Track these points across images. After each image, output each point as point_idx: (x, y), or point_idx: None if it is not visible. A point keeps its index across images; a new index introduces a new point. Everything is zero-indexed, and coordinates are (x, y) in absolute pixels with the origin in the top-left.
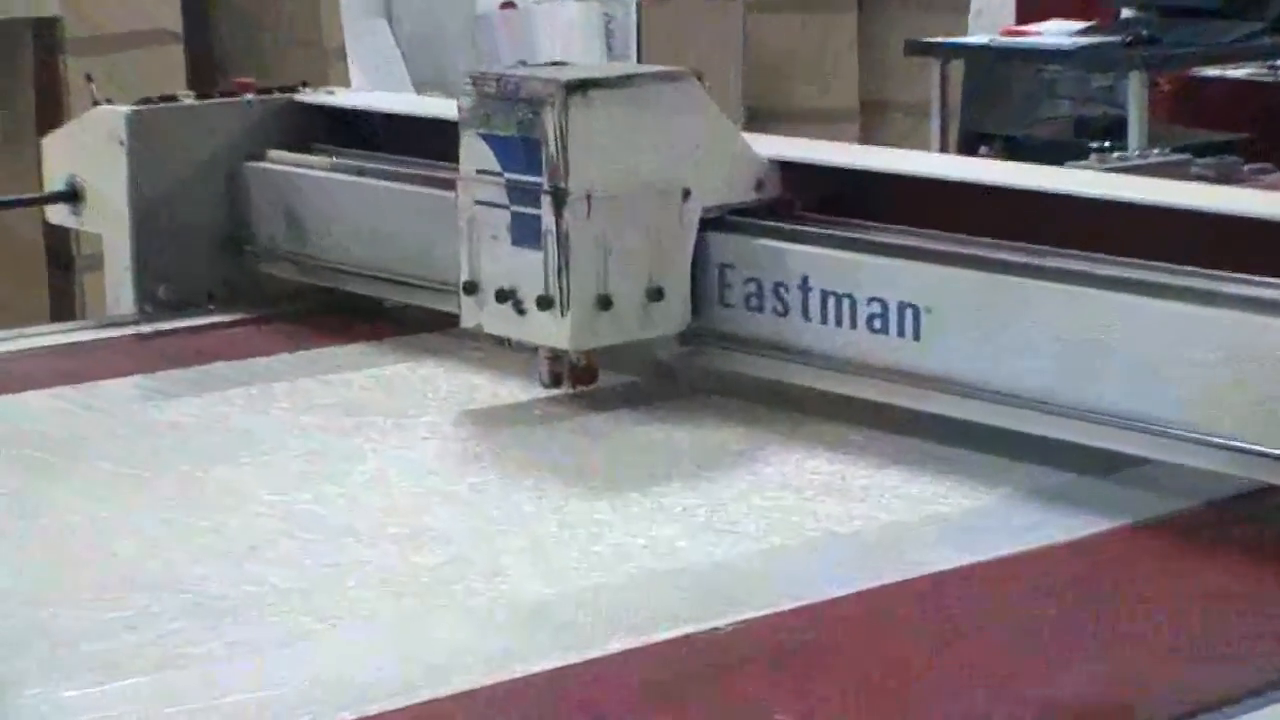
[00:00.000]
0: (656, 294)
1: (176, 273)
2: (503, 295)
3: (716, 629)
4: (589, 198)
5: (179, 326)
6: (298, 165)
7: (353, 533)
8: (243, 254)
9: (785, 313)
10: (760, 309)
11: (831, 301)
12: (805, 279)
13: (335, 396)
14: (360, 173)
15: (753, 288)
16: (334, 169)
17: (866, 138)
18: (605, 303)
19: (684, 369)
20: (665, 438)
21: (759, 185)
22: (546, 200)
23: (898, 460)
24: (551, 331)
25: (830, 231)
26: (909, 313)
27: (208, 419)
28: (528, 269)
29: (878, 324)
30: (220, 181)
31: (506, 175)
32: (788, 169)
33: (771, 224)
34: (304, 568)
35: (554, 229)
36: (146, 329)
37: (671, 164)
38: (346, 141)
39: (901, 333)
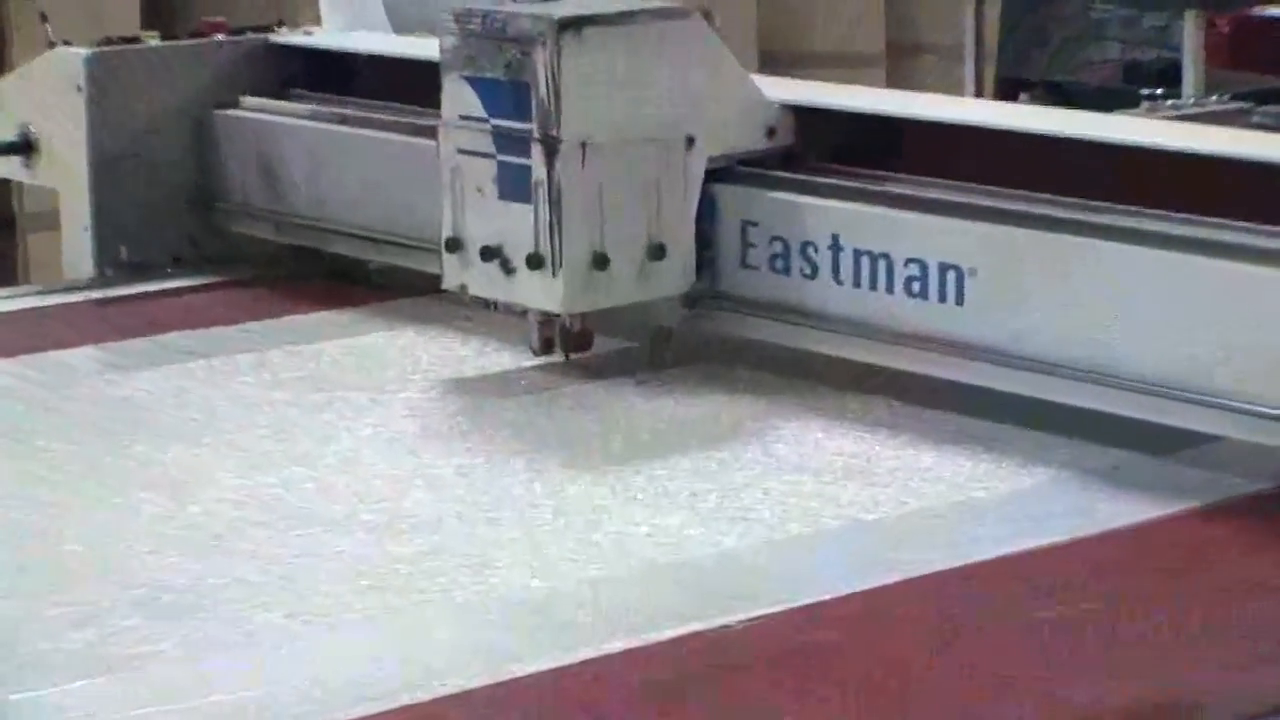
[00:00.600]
0: (658, 252)
1: (139, 233)
2: (489, 253)
3: (727, 627)
4: (583, 146)
5: (140, 292)
6: (273, 113)
7: (325, 520)
8: (212, 211)
9: (814, 274)
10: (786, 270)
11: (865, 262)
12: (836, 238)
13: (306, 369)
14: (342, 121)
15: (778, 247)
16: (313, 117)
17: (893, 84)
18: (601, 261)
19: (689, 335)
20: (671, 414)
21: (770, 132)
22: (537, 149)
23: (929, 439)
24: (542, 293)
25: (863, 185)
26: (951, 275)
27: (167, 394)
28: (516, 225)
29: (916, 287)
30: (188, 131)
31: (493, 122)
32: (803, 115)
33: (799, 177)
34: (271, 559)
35: (545, 180)
36: (103, 295)
37: (674, 109)
38: (327, 87)
39: (943, 297)
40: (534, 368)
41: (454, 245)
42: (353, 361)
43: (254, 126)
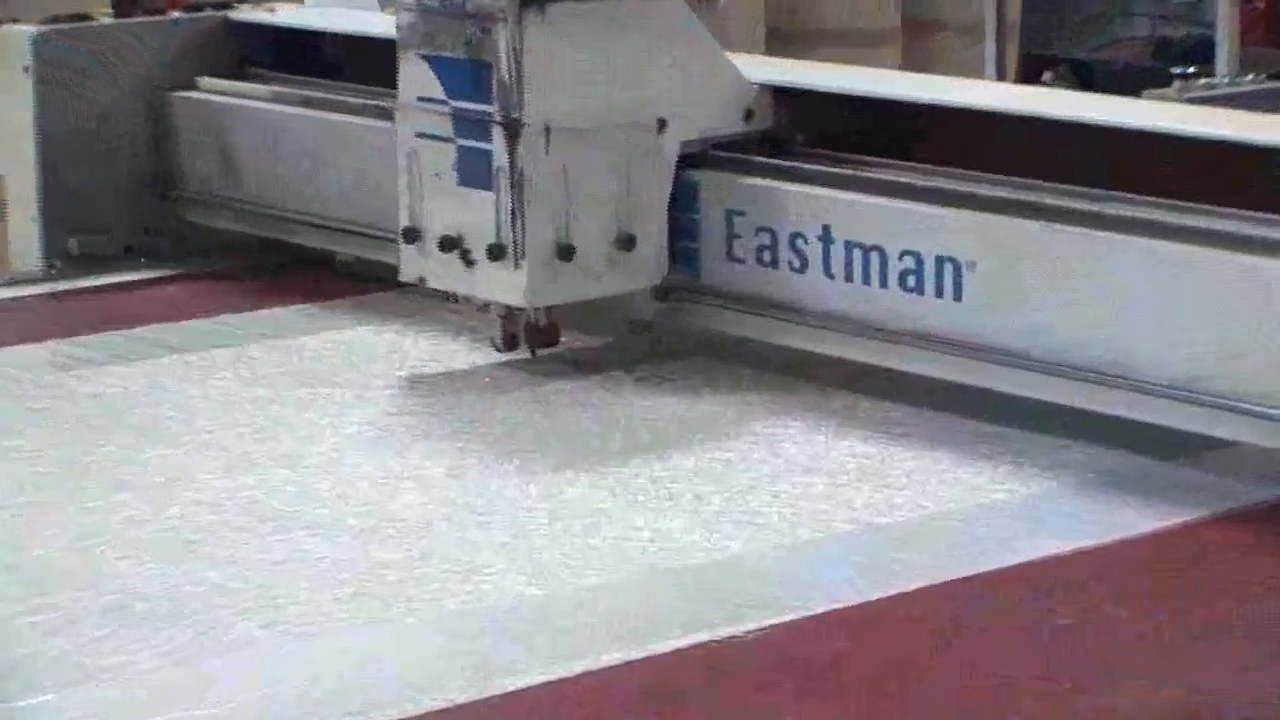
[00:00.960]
0: (627, 242)
1: (91, 222)
2: (448, 243)
3: (733, 637)
4: (547, 130)
5: (100, 284)
6: (233, 95)
7: (307, 524)
8: (168, 199)
9: (803, 268)
10: (774, 263)
11: (858, 255)
12: (826, 229)
13: (287, 364)
14: (307, 103)
15: (765, 239)
16: (275, 99)
17: (909, 63)
18: (567, 252)
19: (685, 331)
20: (672, 411)
21: (748, 115)
22: (498, 132)
23: (945, 440)
24: (504, 286)
25: (855, 172)
26: (948, 269)
27: (141, 391)
28: (477, 213)
29: (911, 282)
30: (143, 114)
31: (452, 103)
32: (784, 97)
33: (786, 163)
34: (250, 565)
35: (507, 166)
36: (59, 287)
37: (644, 91)
38: (290, 67)
39: (940, 292)
40: (527, 363)
41: (412, 235)
42: (336, 356)
43: (212, 109)
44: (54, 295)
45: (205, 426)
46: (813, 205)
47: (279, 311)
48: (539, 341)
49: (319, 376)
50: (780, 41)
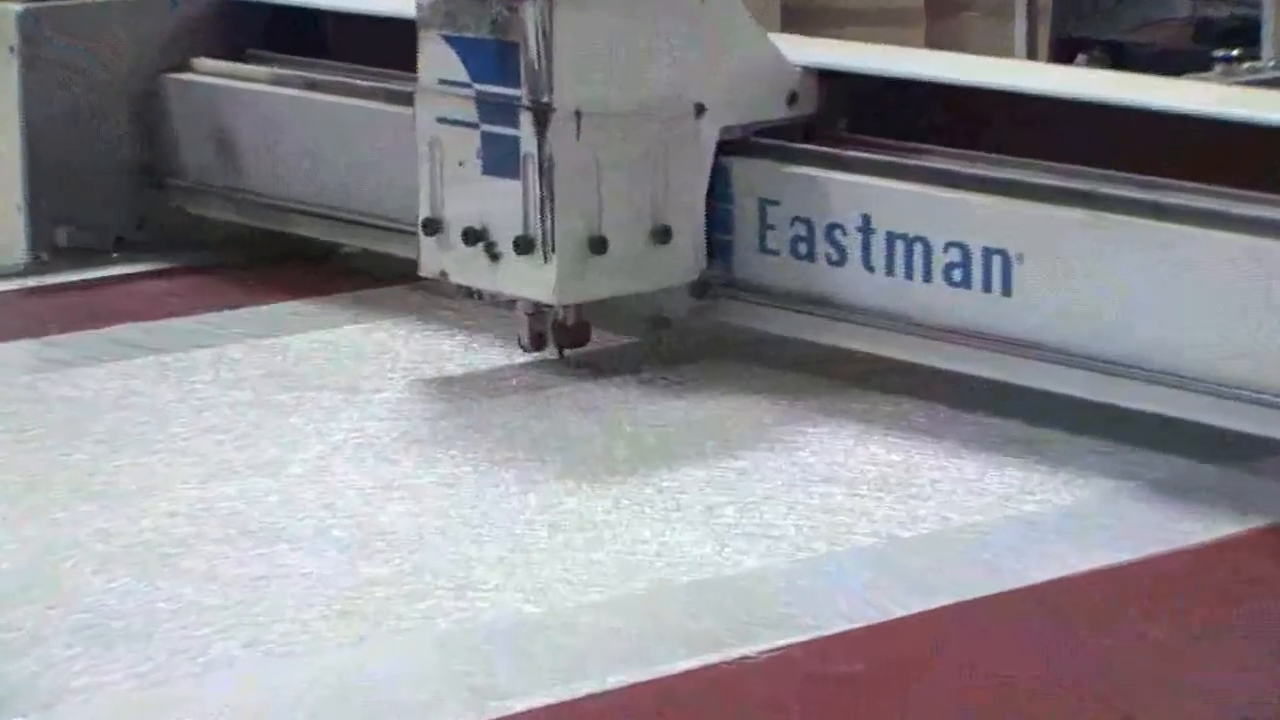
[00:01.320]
0: (663, 235)
1: (80, 212)
2: (471, 236)
3: (746, 658)
4: (578, 115)
5: (82, 279)
6: (231, 77)
7: (291, 537)
8: (162, 189)
9: (841, 260)
10: (810, 256)
11: (899, 247)
12: (866, 219)
13: (271, 366)
14: (310, 86)
15: (801, 230)
16: (276, 82)
17: (934, 44)
18: (599, 245)
19: (699, 328)
20: (681, 416)
21: (792, 99)
22: (526, 118)
23: (974, 446)
24: (532, 281)
25: (898, 159)
26: (996, 261)
27: (114, 394)
28: (502, 203)
29: (957, 275)
30: (135, 98)
31: (477, 87)
32: (828, 80)
33: (824, 149)
34: (230, 580)
35: (535, 153)
36: (40, 282)
37: (682, 74)
38: (292, 48)
39: (987, 286)
40: (527, 365)
41: (432, 227)
42: (323, 357)
43: (209, 93)
44: (34, 291)
45: (182, 432)
46: (852, 194)
47: (266, 309)
48: (568, 341)
49: (304, 379)
50: (796, 21)
